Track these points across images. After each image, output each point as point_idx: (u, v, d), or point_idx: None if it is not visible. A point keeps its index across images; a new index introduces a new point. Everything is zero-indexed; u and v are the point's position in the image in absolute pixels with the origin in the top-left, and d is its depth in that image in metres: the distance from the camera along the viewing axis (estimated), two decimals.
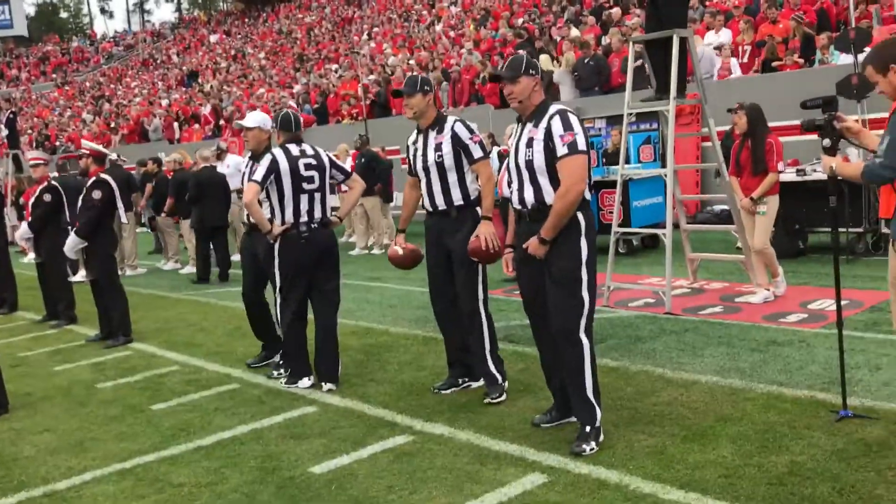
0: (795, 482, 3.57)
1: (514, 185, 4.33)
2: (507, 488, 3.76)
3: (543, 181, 4.17)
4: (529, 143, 4.18)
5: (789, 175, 8.78)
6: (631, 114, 8.10)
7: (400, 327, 7.50)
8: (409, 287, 9.47)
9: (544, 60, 15.33)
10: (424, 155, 5.16)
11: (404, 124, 17.89)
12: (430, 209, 5.24)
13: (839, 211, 4.38)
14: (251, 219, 5.85)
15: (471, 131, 5.13)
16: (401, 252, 5.45)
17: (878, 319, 6.23)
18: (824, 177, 8.46)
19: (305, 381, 5.73)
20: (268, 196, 5.59)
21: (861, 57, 8.83)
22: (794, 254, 9.28)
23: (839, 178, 4.13)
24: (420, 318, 7.79)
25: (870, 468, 3.65)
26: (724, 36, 13.74)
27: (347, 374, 5.95)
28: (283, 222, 5.56)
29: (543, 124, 4.15)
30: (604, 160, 11.73)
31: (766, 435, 4.14)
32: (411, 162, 5.30)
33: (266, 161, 5.54)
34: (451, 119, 5.18)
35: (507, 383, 5.25)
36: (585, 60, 14.56)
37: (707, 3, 16.00)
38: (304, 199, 5.57)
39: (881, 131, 3.81)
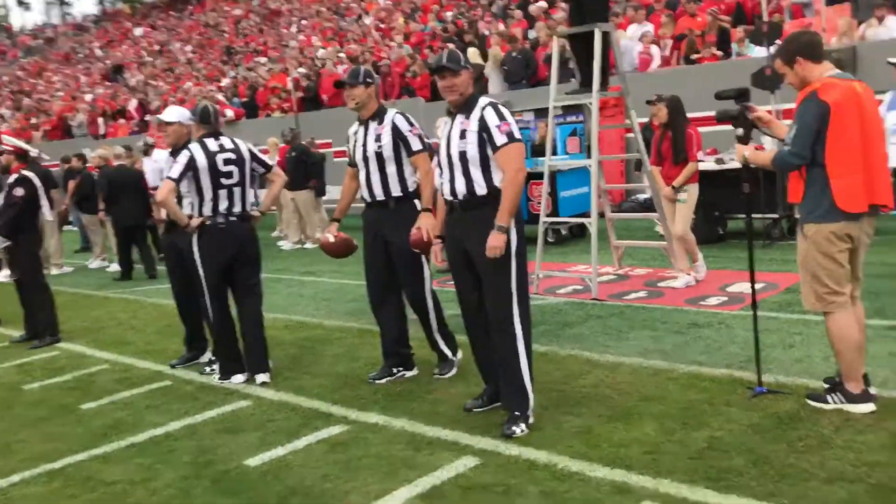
0: (714, 456, 3.76)
1: (446, 176, 4.41)
2: (441, 472, 3.86)
3: (475, 172, 4.27)
4: (463, 135, 4.28)
5: (708, 164, 9.08)
6: (556, 107, 8.28)
7: (334, 320, 7.52)
8: (344, 280, 9.49)
9: (472, 54, 15.47)
10: (364, 145, 5.24)
11: (335, 118, 17.88)
12: (369, 200, 5.31)
13: (753, 197, 4.59)
14: (169, 216, 5.80)
15: (411, 123, 5.22)
16: (332, 240, 5.53)
17: (791, 300, 6.53)
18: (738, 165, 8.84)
19: (239, 378, 5.72)
20: (187, 192, 5.55)
21: (773, 49, 9.21)
22: (714, 240, 9.62)
23: (752, 165, 4.34)
24: (355, 310, 7.83)
25: (782, 440, 3.86)
26: (646, 29, 14.08)
27: (281, 368, 5.96)
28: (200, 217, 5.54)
29: (476, 115, 4.25)
30: (532, 152, 11.92)
31: (687, 412, 4.33)
32: (351, 152, 5.38)
33: (183, 157, 5.50)
34: (391, 111, 5.28)
35: (459, 356, 5.43)
36: (513, 54, 14.75)
37: None
38: (222, 194, 5.55)
39: (790, 121, 4.03)
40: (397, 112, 5.28)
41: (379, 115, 5.25)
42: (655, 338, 5.89)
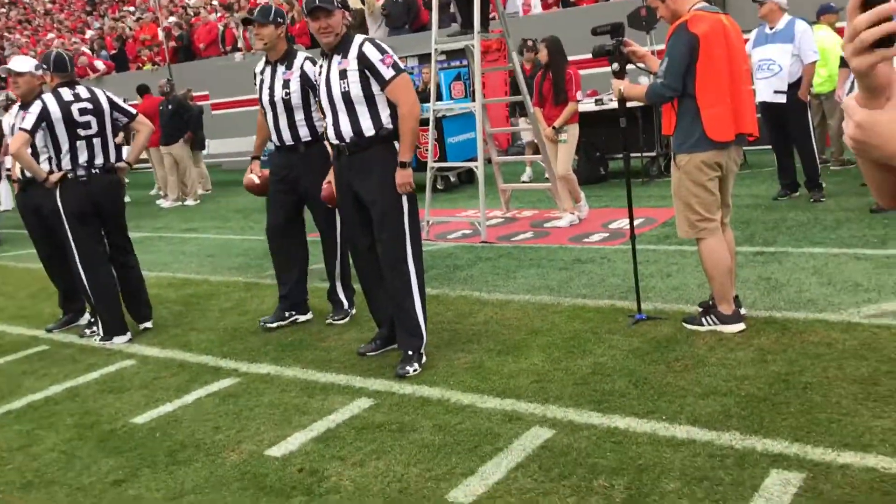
0: (597, 380, 3.91)
1: (329, 120, 4.33)
2: (335, 415, 3.86)
3: (361, 111, 4.20)
4: (343, 75, 4.19)
5: (588, 105, 9.28)
6: (439, 51, 8.23)
7: (220, 276, 7.34)
8: (228, 236, 9.25)
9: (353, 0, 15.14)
10: (271, 89, 5.13)
11: (212, 69, 17.18)
12: (277, 144, 5.24)
13: (631, 136, 4.71)
14: (26, 173, 5.48)
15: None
16: (257, 180, 5.46)
17: (669, 233, 6.80)
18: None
19: (121, 339, 5.51)
20: (43, 146, 5.25)
21: None
22: (596, 179, 9.88)
23: (627, 100, 4.45)
24: (241, 265, 7.66)
25: (660, 361, 4.05)
26: None
27: (166, 325, 5.79)
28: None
29: (353, 53, 4.17)
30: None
31: (572, 342, 4.48)
32: (258, 93, 5.26)
33: (35, 108, 5.17)
34: (301, 56, 5.16)
35: (353, 311, 5.43)
36: None
37: None
38: (80, 145, 5.27)
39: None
40: (307, 57, 5.14)
41: (288, 59, 5.11)
42: (542, 275, 6.03)
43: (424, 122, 9.19)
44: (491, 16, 7.91)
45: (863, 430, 3.13)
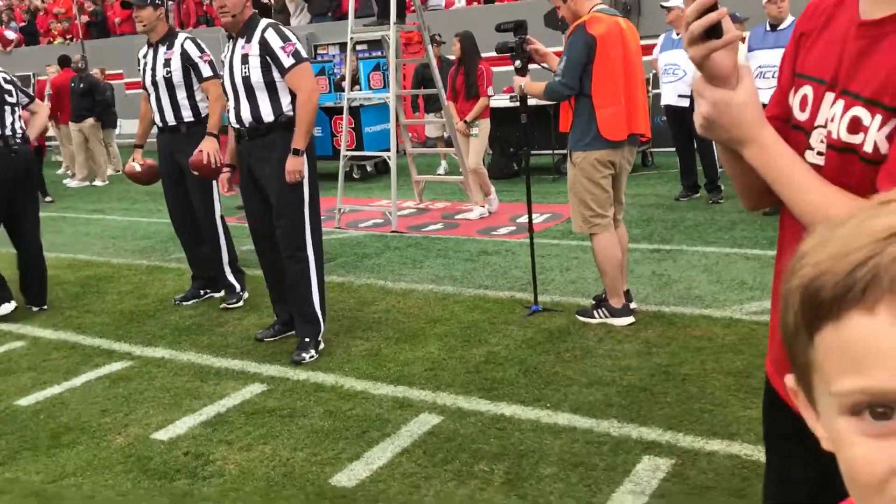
0: (489, 368, 4.01)
1: (231, 104, 4.30)
2: (226, 400, 3.85)
3: (261, 97, 4.18)
4: (245, 60, 4.17)
5: (503, 101, 9.40)
6: (355, 40, 8.21)
7: (122, 258, 7.17)
8: (134, 218, 9.03)
9: None
10: (153, 70, 5.11)
11: (126, 46, 16.69)
12: (161, 125, 5.20)
13: (528, 129, 4.82)
14: None
15: (201, 50, 5.15)
16: (138, 168, 5.39)
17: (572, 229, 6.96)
18: (535, 103, 9.21)
19: (6, 307, 5.35)
20: None
21: None
22: (509, 174, 10.02)
23: (528, 97, 4.55)
24: (145, 248, 7.50)
25: (551, 352, 4.17)
26: None
27: (62, 307, 5.64)
28: None
29: (256, 38, 4.15)
30: (337, 87, 11.78)
31: (469, 331, 4.56)
32: (141, 77, 5.22)
33: None
34: (181, 36, 5.17)
35: (246, 294, 5.41)
36: None
37: None
38: (7, 111, 5.19)
39: None
40: (188, 37, 5.16)
41: (168, 39, 5.10)
42: (447, 265, 6.10)
43: (339, 111, 9.18)
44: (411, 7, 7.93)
45: (731, 419, 3.30)
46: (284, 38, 4.14)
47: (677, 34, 7.49)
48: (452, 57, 8.01)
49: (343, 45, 12.27)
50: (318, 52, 12.88)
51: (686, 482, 2.86)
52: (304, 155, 4.19)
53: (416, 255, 6.53)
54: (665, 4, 7.35)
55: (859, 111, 1.16)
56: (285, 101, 4.21)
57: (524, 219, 7.61)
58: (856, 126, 1.16)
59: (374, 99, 10.11)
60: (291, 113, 4.21)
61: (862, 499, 0.57)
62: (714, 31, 1.14)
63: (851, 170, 1.17)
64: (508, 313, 4.83)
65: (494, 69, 8.24)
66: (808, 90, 1.27)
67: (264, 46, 4.12)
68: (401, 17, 7.52)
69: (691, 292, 5.01)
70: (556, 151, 9.79)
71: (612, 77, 4.15)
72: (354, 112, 10.28)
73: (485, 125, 7.71)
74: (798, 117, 1.28)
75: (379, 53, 11.90)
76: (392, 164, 7.70)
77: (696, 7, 1.10)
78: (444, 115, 8.06)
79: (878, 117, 1.13)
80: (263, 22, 4.21)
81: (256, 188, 4.35)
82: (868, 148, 1.15)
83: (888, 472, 0.54)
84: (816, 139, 1.24)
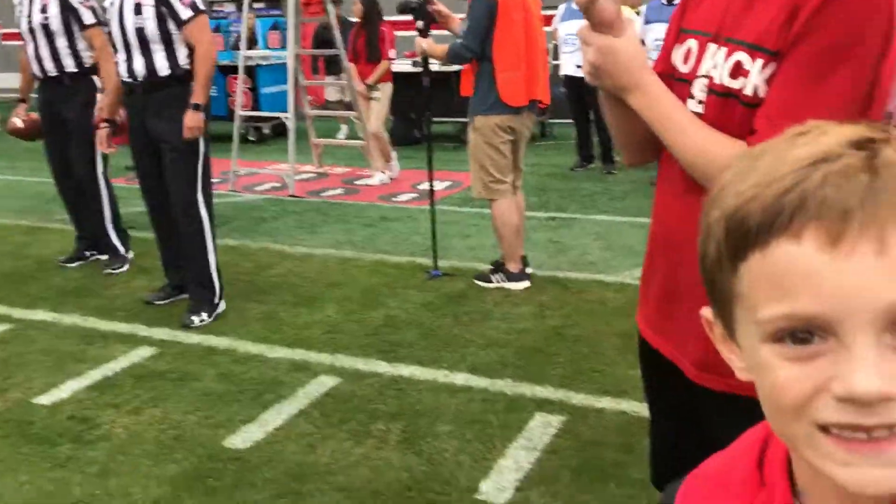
0: (388, 331, 4.01)
1: (122, 56, 4.10)
2: (113, 363, 3.71)
3: (156, 50, 4.01)
4: (138, 10, 3.98)
5: (405, 66, 9.33)
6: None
7: (2, 219, 6.77)
8: (17, 177, 8.54)
9: None
10: (30, 15, 4.79)
11: None
12: (41, 76, 4.91)
13: (430, 92, 4.80)
14: None
15: None
16: (20, 124, 5.14)
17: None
18: (440, 68, 9.17)
19: None
20: None
21: None
22: (411, 141, 9.98)
23: (430, 59, 4.52)
24: (26, 208, 7.10)
25: (450, 315, 4.21)
26: None
27: None
28: None
29: None
30: (233, 46, 11.41)
31: (368, 295, 4.54)
32: (18, 23, 4.90)
33: None
34: None
35: (131, 254, 5.21)
36: None
37: None
38: None
39: None
40: None
41: None
42: (347, 231, 6.05)
43: (235, 71, 8.89)
44: None
45: (621, 378, 3.42)
46: None
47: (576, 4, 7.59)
48: (354, 19, 7.87)
49: (240, 3, 11.89)
50: (214, 8, 12.43)
51: (576, 437, 2.96)
52: (204, 111, 4.05)
53: (314, 219, 6.44)
54: None
55: (741, 56, 1.21)
56: (181, 54, 4.05)
57: (426, 185, 7.59)
58: (737, 71, 1.21)
59: (272, 59, 9.86)
60: (188, 67, 4.06)
61: (782, 424, 0.58)
62: None
63: (731, 114, 1.23)
64: (408, 278, 4.84)
65: (397, 34, 8.15)
66: (692, 43, 1.31)
67: None
68: None
69: (584, 258, 5.14)
70: (460, 119, 9.80)
71: (513, 42, 4.17)
72: (251, 72, 9.98)
73: (386, 89, 7.64)
74: (681, 70, 1.33)
75: (277, 12, 11.59)
76: (290, 125, 7.54)
77: None
78: (345, 77, 7.94)
79: (760, 61, 1.19)
80: None
81: (149, 145, 4.18)
82: (748, 91, 1.20)
83: (810, 392, 0.54)
84: (698, 88, 1.28)
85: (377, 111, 7.61)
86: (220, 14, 11.79)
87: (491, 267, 4.71)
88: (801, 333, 0.55)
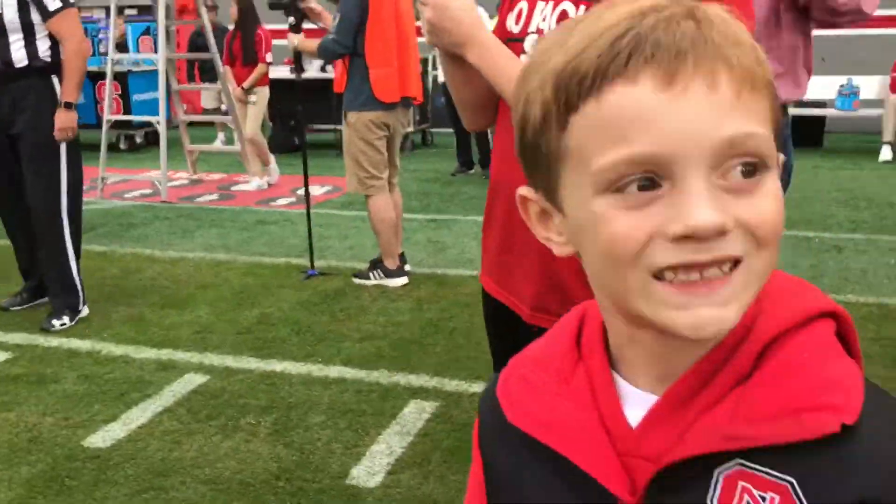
0: (261, 329, 3.92)
1: None
2: None
3: (14, 39, 3.78)
4: None
5: (284, 72, 9.21)
6: (122, 4, 7.69)
7: None
8: None
9: None
10: None
11: None
12: None
13: (309, 105, 4.76)
14: None
15: None
16: None
17: (353, 200, 6.97)
18: (315, 76, 9.10)
19: None
20: None
21: None
22: (289, 149, 9.85)
23: (302, 54, 4.48)
24: None
25: (326, 312, 4.16)
26: None
27: None
28: None
29: None
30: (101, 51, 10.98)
31: (241, 295, 4.44)
32: None
33: None
34: None
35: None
36: None
37: None
38: None
39: None
40: None
41: None
42: (222, 235, 5.90)
43: (105, 77, 8.53)
44: None
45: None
46: None
47: None
48: (231, 26, 7.71)
49: (109, 10, 11.45)
50: (83, 15, 11.93)
51: (449, 421, 2.97)
52: (76, 110, 3.85)
53: (187, 224, 6.24)
54: None
55: (567, 5, 1.27)
56: (42, 46, 3.84)
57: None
58: (563, 19, 1.27)
59: (144, 65, 9.54)
60: (49, 60, 3.85)
61: (617, 278, 0.57)
62: None
63: None
64: (284, 278, 4.76)
65: (275, 42, 8.02)
66: (523, 4, 1.38)
67: None
68: None
69: (463, 256, 5.19)
70: (338, 127, 9.75)
71: (384, 38, 4.19)
72: (122, 78, 9.64)
73: (263, 93, 7.52)
74: (513, 30, 1.38)
75: (150, 17, 11.24)
76: (161, 129, 7.31)
77: None
78: (220, 82, 7.76)
79: (583, 7, 1.24)
80: None
81: (4, 140, 3.94)
82: None
83: (647, 237, 0.54)
84: (530, 44, 1.33)
85: (254, 115, 7.48)
86: (89, 19, 11.34)
87: (368, 265, 4.69)
88: (636, 180, 0.54)
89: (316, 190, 7.46)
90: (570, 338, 0.68)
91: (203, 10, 7.59)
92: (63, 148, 3.92)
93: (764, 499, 0.56)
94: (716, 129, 0.53)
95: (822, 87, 9.06)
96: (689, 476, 0.58)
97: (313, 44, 4.31)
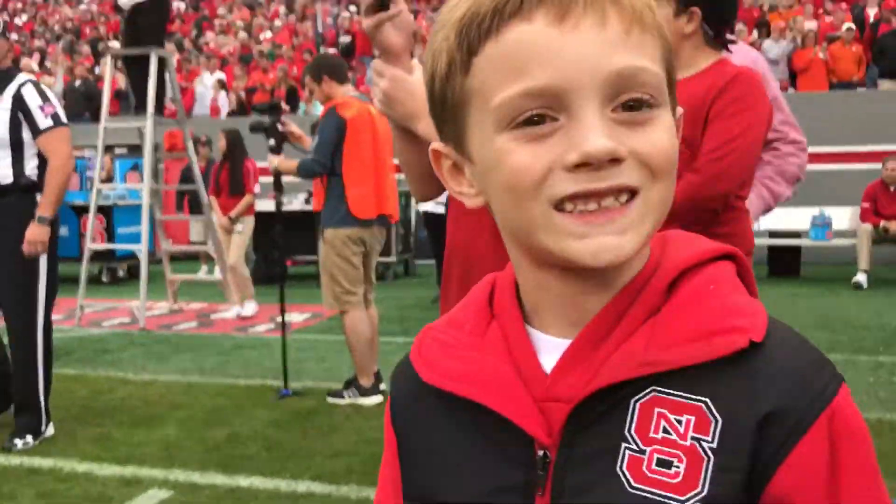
0: (231, 447, 3.81)
1: None
2: None
3: (2, 155, 3.83)
4: None
5: (268, 205, 9.38)
6: (112, 143, 7.92)
7: None
8: None
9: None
10: None
11: None
12: None
13: (279, 212, 4.84)
14: None
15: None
16: None
17: (333, 326, 6.95)
18: (299, 208, 9.27)
19: None
20: None
21: None
22: (273, 280, 9.88)
23: (281, 174, 4.60)
24: None
25: (298, 429, 4.06)
26: (218, 77, 14.22)
27: None
28: None
29: (10, 92, 3.83)
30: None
31: (212, 415, 4.33)
32: None
33: None
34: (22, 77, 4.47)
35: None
36: (76, 84, 13.87)
37: (204, 47, 16.47)
38: None
39: None
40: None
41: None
42: (197, 359, 5.82)
43: (98, 210, 8.65)
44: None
45: None
46: (44, 98, 3.87)
47: None
48: (220, 159, 7.92)
49: (107, 149, 11.76)
50: (74, 153, 12.26)
51: None
52: (50, 226, 3.86)
53: (163, 350, 6.17)
54: None
55: None
56: (30, 164, 3.89)
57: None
58: None
59: (129, 198, 9.71)
60: (34, 179, 3.89)
61: (520, 210, 0.59)
62: (384, 5, 1.30)
63: None
64: (257, 398, 4.67)
65: (262, 179, 8.19)
66: None
67: (19, 102, 3.81)
68: (159, 109, 7.37)
69: None
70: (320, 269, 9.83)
71: (361, 158, 4.31)
72: (107, 212, 9.79)
73: (248, 222, 7.64)
74: None
75: (139, 155, 11.53)
76: (142, 257, 7.36)
77: None
78: (205, 212, 7.88)
79: None
80: (24, 76, 3.93)
81: None
82: None
83: (546, 168, 0.57)
84: None
85: (237, 244, 7.56)
86: (78, 155, 11.63)
87: (343, 384, 4.62)
88: (535, 114, 0.57)
89: (296, 317, 7.44)
90: (483, 299, 0.69)
91: (190, 145, 7.81)
92: (42, 264, 3.91)
93: (680, 422, 0.57)
94: (606, 61, 0.56)
95: (795, 218, 9.35)
96: (604, 410, 0.59)
97: (293, 164, 4.42)
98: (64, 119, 3.95)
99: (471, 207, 0.66)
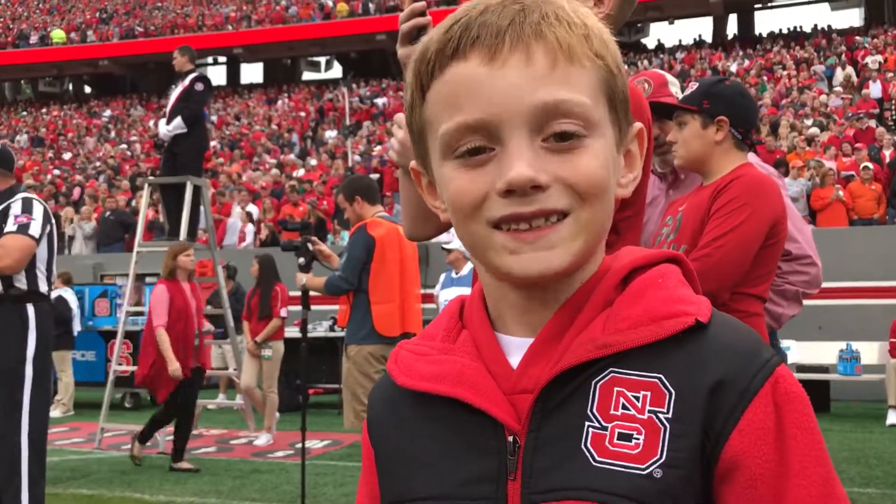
0: None
1: None
2: None
3: None
4: None
5: (293, 331, 9.44)
6: (144, 272, 8.11)
7: None
8: None
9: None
10: None
11: None
12: None
13: (304, 329, 4.89)
14: None
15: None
16: None
17: (353, 453, 6.86)
18: (323, 334, 9.30)
19: None
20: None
21: None
22: (295, 407, 9.79)
23: (309, 290, 4.68)
24: None
25: None
26: (251, 211, 14.60)
27: None
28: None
29: (4, 206, 3.87)
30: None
31: None
32: None
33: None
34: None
35: None
36: (107, 214, 14.35)
37: (236, 181, 17.04)
38: None
39: None
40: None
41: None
42: (215, 482, 5.74)
43: (127, 336, 8.73)
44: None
45: None
46: (28, 210, 3.87)
47: (456, 273, 8.08)
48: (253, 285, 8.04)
49: (139, 276, 12.01)
50: (105, 282, 12.52)
51: None
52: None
53: (179, 474, 6.08)
54: (446, 247, 7.99)
55: None
56: (19, 274, 3.80)
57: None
58: None
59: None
60: (24, 288, 3.82)
61: (466, 229, 0.66)
62: (420, 35, 1.38)
63: None
64: None
65: (292, 308, 8.24)
66: None
67: (3, 213, 3.86)
68: (191, 236, 7.57)
69: None
70: (342, 386, 9.77)
71: (388, 276, 4.39)
72: (133, 337, 9.87)
73: (277, 347, 7.63)
74: None
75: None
76: None
77: (409, 11, 1.33)
78: (231, 339, 7.93)
79: None
80: (25, 194, 4.06)
81: None
82: None
83: (483, 193, 0.64)
84: None
85: (269, 371, 7.56)
86: (109, 283, 11.88)
87: None
88: (470, 146, 0.64)
89: (317, 444, 7.35)
90: (454, 312, 0.75)
91: (219, 270, 7.97)
92: (29, 370, 3.84)
93: (637, 398, 0.62)
94: (530, 96, 0.63)
95: (823, 352, 9.23)
96: (567, 394, 0.64)
97: (320, 281, 4.51)
98: (33, 233, 3.81)
99: (445, 221, 0.72)
